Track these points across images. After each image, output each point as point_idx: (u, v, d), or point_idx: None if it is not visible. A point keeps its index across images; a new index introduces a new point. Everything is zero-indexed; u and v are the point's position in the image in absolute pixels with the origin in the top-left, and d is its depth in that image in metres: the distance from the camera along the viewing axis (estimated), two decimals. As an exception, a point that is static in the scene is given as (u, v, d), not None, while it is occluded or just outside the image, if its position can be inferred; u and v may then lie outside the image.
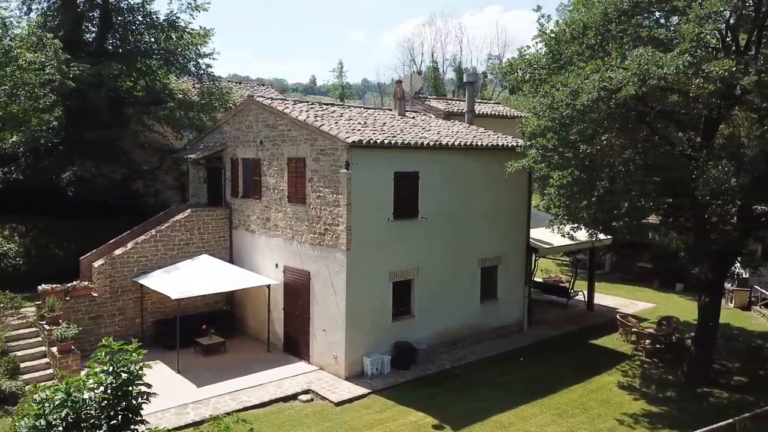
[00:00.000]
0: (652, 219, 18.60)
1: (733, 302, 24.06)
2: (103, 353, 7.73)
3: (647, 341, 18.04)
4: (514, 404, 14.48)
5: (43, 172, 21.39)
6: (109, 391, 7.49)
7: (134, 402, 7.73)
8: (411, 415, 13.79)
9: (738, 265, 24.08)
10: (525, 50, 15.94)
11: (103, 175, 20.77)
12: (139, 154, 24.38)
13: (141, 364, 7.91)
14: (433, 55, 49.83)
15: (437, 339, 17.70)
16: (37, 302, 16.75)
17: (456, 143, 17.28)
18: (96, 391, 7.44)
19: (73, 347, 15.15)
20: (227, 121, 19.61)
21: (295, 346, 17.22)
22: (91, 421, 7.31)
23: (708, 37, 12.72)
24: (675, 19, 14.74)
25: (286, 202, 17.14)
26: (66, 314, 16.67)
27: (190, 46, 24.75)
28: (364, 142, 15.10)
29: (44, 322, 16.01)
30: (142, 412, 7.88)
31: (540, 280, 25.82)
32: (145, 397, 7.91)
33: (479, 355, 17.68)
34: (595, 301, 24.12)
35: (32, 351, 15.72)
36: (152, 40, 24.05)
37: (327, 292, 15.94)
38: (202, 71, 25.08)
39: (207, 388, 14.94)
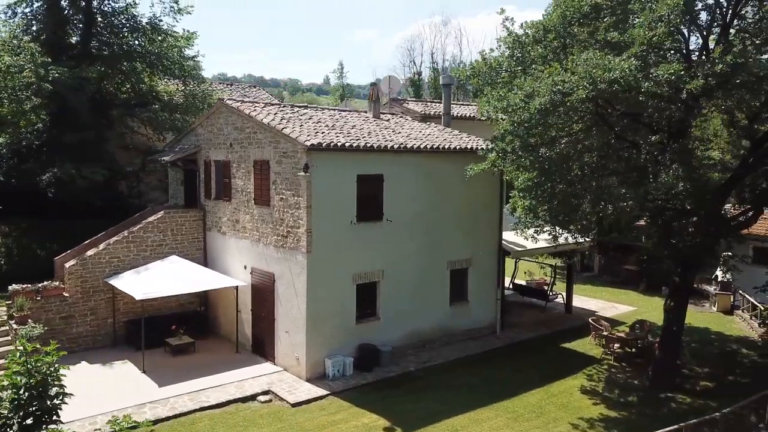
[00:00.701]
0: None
1: (716, 306, 23.79)
2: (17, 354, 7.91)
3: (616, 345, 17.94)
4: (470, 407, 14.47)
5: (25, 174, 21.74)
6: (22, 392, 7.65)
7: (49, 403, 7.88)
8: (365, 417, 13.85)
9: (721, 267, 24.02)
10: (488, 54, 15.93)
11: (82, 176, 21.09)
12: (123, 156, 24.71)
13: (57, 365, 8.07)
14: (432, 56, 49.84)
15: (405, 341, 17.74)
16: (8, 302, 17.06)
17: (422, 146, 17.31)
18: (8, 391, 7.62)
19: (38, 346, 15.35)
20: (201, 124, 19.81)
21: (262, 347, 17.36)
22: (2, 421, 7.49)
23: (660, 40, 12.58)
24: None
25: (253, 204, 17.29)
26: (37, 314, 16.98)
27: (174, 49, 25.07)
28: (324, 144, 15.18)
29: (13, 322, 16.30)
30: (60, 412, 8.05)
31: (523, 282, 25.74)
32: (61, 398, 8.07)
33: (446, 358, 17.69)
34: (577, 304, 24.05)
35: (3, 350, 15.98)
36: (136, 42, 24.36)
37: (290, 294, 16.05)
38: (186, 73, 25.38)
39: (168, 388, 15.11)
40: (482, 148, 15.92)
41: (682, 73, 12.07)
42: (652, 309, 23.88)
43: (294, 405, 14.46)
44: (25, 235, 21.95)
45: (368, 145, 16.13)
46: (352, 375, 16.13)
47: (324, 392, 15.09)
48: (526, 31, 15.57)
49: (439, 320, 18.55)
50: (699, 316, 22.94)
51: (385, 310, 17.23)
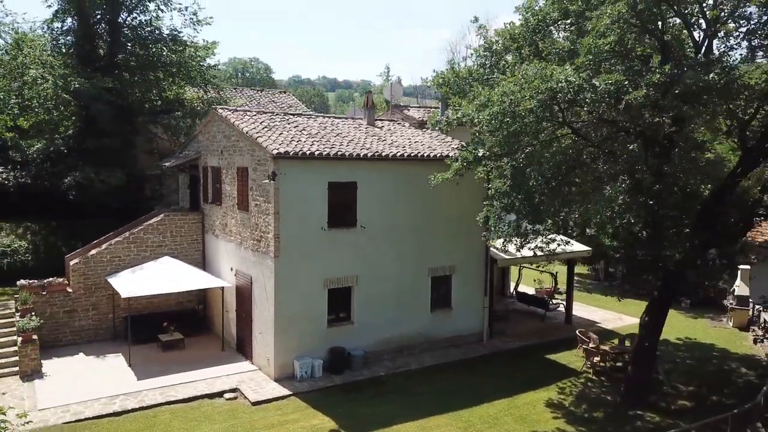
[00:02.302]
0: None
1: (731, 321, 22.56)
2: None
3: (596, 358, 17.46)
4: (426, 414, 14.57)
5: (53, 177, 23.54)
6: None
7: None
8: (315, 419, 14.26)
9: (739, 280, 22.79)
10: (457, 63, 15.96)
11: (101, 180, 22.63)
12: (148, 160, 26.20)
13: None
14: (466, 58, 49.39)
15: (382, 346, 17.99)
16: (16, 296, 18.64)
17: (398, 154, 17.50)
18: None
19: (34, 337, 16.76)
20: (201, 131, 20.82)
21: (243, 346, 18.11)
22: None
23: (607, 48, 12.25)
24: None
25: (236, 209, 18.06)
26: (42, 307, 18.45)
27: (196, 59, 26.39)
28: (291, 153, 15.70)
29: (18, 314, 17.80)
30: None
31: (531, 290, 25.35)
32: None
33: (421, 364, 17.82)
34: (583, 315, 23.50)
35: (7, 339, 17.48)
36: (159, 53, 25.77)
37: (263, 297, 16.68)
38: (206, 81, 26.65)
39: (144, 382, 16.07)
40: (450, 156, 15.95)
41: (626, 83, 11.77)
42: (661, 322, 22.97)
43: (254, 404, 15.06)
44: (52, 233, 23.74)
45: (340, 153, 16.50)
46: (321, 377, 16.57)
47: (287, 393, 15.60)
48: (496, 39, 15.53)
49: (419, 326, 18.67)
50: (711, 331, 21.86)
51: (360, 315, 17.56)
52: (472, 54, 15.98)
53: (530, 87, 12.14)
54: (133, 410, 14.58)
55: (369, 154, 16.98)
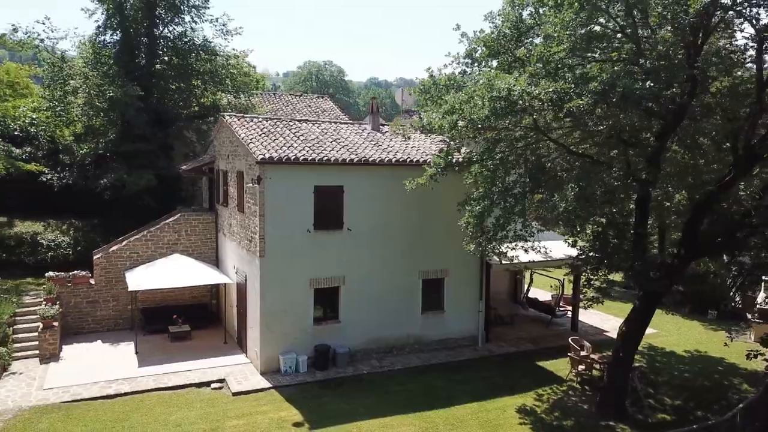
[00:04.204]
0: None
1: (752, 335, 21.41)
2: None
3: (580, 367, 17.21)
4: (392, 413, 14.98)
5: (90, 179, 25.64)
6: None
7: None
8: (283, 411, 15.00)
9: (763, 292, 21.65)
10: (435, 71, 16.23)
11: (131, 181, 24.46)
12: (185, 163, 27.95)
13: None
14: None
15: (371, 345, 18.52)
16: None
17: (385, 159, 17.95)
18: None
19: (54, 324, 18.51)
20: (215, 137, 22.11)
21: (241, 340, 19.17)
22: None
23: (562, 55, 12.23)
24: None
25: (236, 211, 19.13)
26: (68, 298, 20.31)
27: (227, 67, 27.88)
28: (276, 158, 16.54)
29: (44, 303, 19.67)
30: None
31: (548, 296, 25.04)
32: None
33: (406, 365, 18.20)
34: (594, 323, 23.05)
35: (32, 325, 19.36)
36: (193, 63, 27.41)
37: (252, 294, 17.64)
38: (238, 88, 28.09)
39: (143, 369, 17.41)
40: (427, 162, 16.26)
41: (571, 90, 11.75)
42: (676, 334, 22.21)
43: (234, 394, 16.01)
44: (93, 230, 25.85)
45: (325, 158, 17.19)
46: (305, 372, 17.33)
47: (267, 385, 16.46)
48: (475, 46, 15.69)
49: (409, 328, 19.05)
50: (731, 345, 20.82)
51: (347, 314, 18.17)
52: (452, 62, 15.94)
53: (479, 95, 12.35)
54: (125, 394, 15.88)
55: (356, 159, 17.56)
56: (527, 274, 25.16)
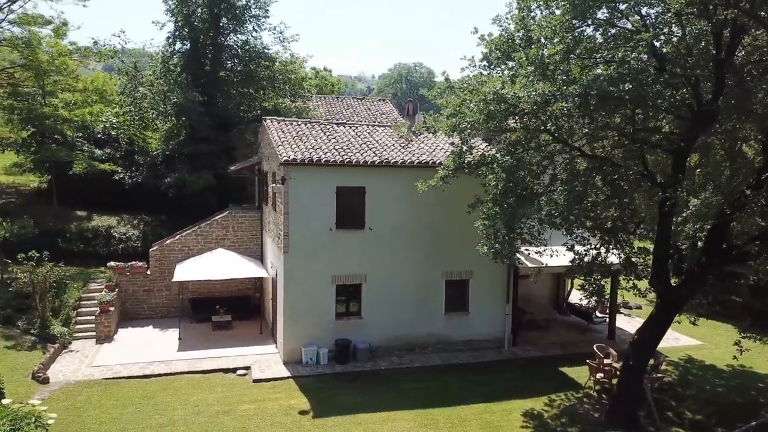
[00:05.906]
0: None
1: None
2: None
3: (598, 375, 16.78)
4: (397, 408, 15.41)
5: (156, 177, 27.88)
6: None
7: None
8: (293, 400, 15.84)
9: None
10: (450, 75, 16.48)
11: (191, 181, 26.38)
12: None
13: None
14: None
15: (393, 342, 19.02)
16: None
17: (407, 161, 18.36)
18: None
19: (110, 309, 20.47)
20: (260, 140, 23.42)
21: (273, 331, 20.28)
22: None
23: (547, 60, 12.19)
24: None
25: (272, 209, 20.27)
26: (126, 286, 22.37)
27: (285, 73, 29.32)
28: (299, 160, 17.45)
29: (104, 289, 21.77)
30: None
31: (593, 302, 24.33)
32: None
33: (426, 363, 18.53)
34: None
35: (93, 309, 21.46)
36: (254, 69, 29.05)
37: (280, 287, 18.66)
38: (295, 92, 29.48)
39: (181, 353, 18.92)
40: (441, 164, 16.52)
41: (558, 92, 11.72)
42: (724, 347, 20.88)
43: (254, 381, 17.07)
44: (160, 225, 28.09)
45: (347, 160, 17.88)
46: (325, 364, 18.11)
47: (287, 375, 17.40)
48: (485, 50, 15.82)
49: (432, 327, 19.35)
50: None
51: (369, 311, 18.77)
52: (468, 65, 16.12)
53: (469, 99, 12.58)
54: (160, 375, 17.39)
55: (377, 161, 18.13)
56: (570, 279, 24.58)
